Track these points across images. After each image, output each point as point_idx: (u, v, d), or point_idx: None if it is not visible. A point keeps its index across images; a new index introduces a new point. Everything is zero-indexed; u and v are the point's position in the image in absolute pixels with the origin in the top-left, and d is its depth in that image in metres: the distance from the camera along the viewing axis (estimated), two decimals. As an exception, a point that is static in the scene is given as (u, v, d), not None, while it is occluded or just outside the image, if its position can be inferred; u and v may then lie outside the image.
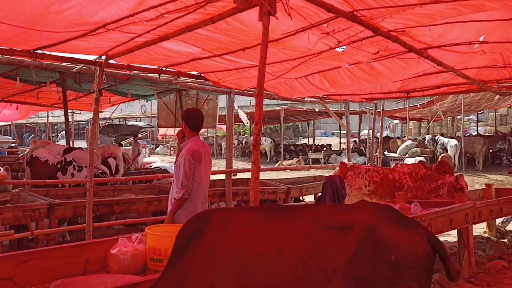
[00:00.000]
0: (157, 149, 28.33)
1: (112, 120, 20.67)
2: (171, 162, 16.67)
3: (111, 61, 4.90)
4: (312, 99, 8.76)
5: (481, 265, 5.52)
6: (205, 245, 2.17)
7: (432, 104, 15.81)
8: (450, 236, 6.88)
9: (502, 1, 3.51)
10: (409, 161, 15.12)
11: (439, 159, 13.45)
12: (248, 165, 16.98)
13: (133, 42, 4.30)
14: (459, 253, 5.44)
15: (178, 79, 6.59)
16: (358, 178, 6.20)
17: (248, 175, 9.43)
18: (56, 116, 23.13)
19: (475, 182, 13.79)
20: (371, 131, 20.99)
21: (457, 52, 4.81)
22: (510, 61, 5.56)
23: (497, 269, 5.32)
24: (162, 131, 26.57)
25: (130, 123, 26.44)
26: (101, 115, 14.59)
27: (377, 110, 9.83)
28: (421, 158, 15.01)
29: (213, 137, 27.12)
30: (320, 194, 6.08)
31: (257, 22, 3.16)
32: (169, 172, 9.18)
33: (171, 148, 28.22)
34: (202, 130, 26.89)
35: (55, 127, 31.92)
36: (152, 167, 11.29)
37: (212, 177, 8.86)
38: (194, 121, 4.43)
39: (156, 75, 5.92)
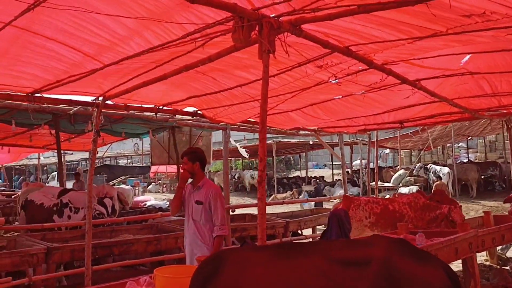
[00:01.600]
0: (150, 187, 28.10)
1: (103, 160, 20.56)
2: (164, 199, 16.53)
3: (109, 102, 4.92)
4: (307, 132, 8.83)
5: (486, 294, 5.46)
6: (222, 287, 2.13)
7: (423, 132, 15.98)
8: (453, 266, 6.82)
9: (491, 36, 3.62)
10: (403, 190, 15.17)
11: (433, 188, 13.51)
12: (242, 200, 16.96)
13: (132, 82, 4.33)
14: (464, 282, 5.38)
15: (174, 117, 6.61)
16: (358, 210, 6.17)
17: (243, 210, 9.37)
18: (47, 157, 22.94)
19: (470, 209, 13.82)
20: (363, 161, 21.16)
21: (446, 78, 4.90)
22: (498, 90, 5.70)
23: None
24: (153, 168, 26.42)
25: (121, 161, 26.37)
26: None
27: (371, 140, 9.91)
28: (415, 187, 15.04)
29: (207, 172, 27.00)
30: (324, 229, 6.03)
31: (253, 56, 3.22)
32: (164, 211, 9.09)
33: (164, 186, 28.04)
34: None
35: (45, 168, 31.61)
36: (146, 205, 11.18)
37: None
38: (204, 160, 4.50)
39: (153, 114, 5.94)
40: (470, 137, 20.59)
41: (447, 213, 6.14)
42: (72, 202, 6.77)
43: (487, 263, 7.11)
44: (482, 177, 18.06)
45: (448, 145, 20.92)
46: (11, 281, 5.05)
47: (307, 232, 9.08)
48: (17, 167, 30.34)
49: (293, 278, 2.23)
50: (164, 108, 5.74)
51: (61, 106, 5.79)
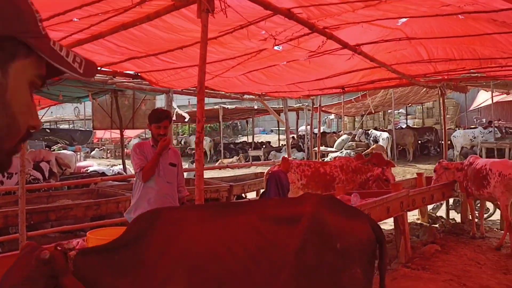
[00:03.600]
0: (93, 152, 27.33)
1: (42, 124, 19.66)
2: (108, 165, 16.16)
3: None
4: (251, 96, 8.83)
5: (416, 250, 5.83)
6: (155, 244, 2.14)
7: (365, 98, 16.45)
8: (387, 224, 7.20)
9: (427, 5, 3.74)
10: (335, 154, 15.58)
11: (370, 151, 14.08)
12: (187, 165, 16.86)
13: (66, 40, 4.11)
14: (395, 239, 5.72)
15: (114, 79, 6.38)
16: (290, 172, 6.32)
17: (189, 174, 9.34)
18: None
19: (406, 172, 14.55)
20: (308, 127, 21.58)
21: (384, 42, 5.01)
22: (434, 56, 5.92)
23: (431, 253, 5.64)
24: (99, 134, 25.61)
25: (62, 126, 25.32)
26: (30, 119, 13.80)
27: (314, 106, 10.07)
28: (352, 152, 15.56)
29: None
30: (263, 190, 6.15)
31: (195, 20, 3.15)
32: (107, 175, 8.89)
33: (108, 151, 27.35)
34: (140, 131, 26.06)
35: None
36: (88, 171, 10.87)
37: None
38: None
39: (90, 75, 5.69)
40: (409, 104, 21.43)
41: (380, 173, 6.43)
42: (5, 167, 6.46)
43: (419, 221, 7.56)
44: (419, 142, 18.97)
45: (389, 111, 21.70)
46: None
47: (252, 195, 9.23)
48: None
49: (227, 236, 2.27)
50: (103, 69, 5.53)
51: None
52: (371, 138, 17.71)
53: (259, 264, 2.26)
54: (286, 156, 8.97)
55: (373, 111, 17.56)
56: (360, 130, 19.01)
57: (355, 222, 2.53)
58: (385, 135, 17.40)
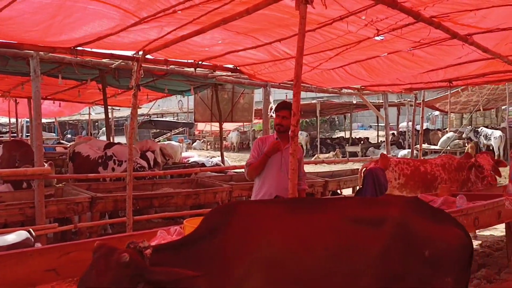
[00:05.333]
0: (194, 144, 28.68)
1: (150, 116, 21.05)
2: (208, 156, 16.84)
3: (149, 56, 4.95)
4: (350, 91, 8.60)
5: (530, 261, 5.26)
6: (231, 238, 2.12)
7: (465, 90, 15.16)
8: (497, 231, 6.61)
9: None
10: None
11: (465, 150, 13.06)
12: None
13: (170, 36, 4.32)
14: (507, 247, 5.21)
15: (214, 73, 6.60)
16: (388, 171, 6.01)
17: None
18: (97, 113, 23.76)
19: (521, 174, 13.21)
20: (410, 123, 20.53)
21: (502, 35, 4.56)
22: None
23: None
24: (200, 126, 26.83)
25: (167, 118, 26.91)
26: (139, 111, 14.89)
27: (417, 101, 9.54)
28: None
29: (251, 131, 27.17)
30: (359, 187, 5.95)
31: (293, 11, 3.10)
32: (206, 166, 9.25)
33: (208, 143, 28.52)
34: (238, 124, 26.83)
35: (96, 124, 32.82)
36: (189, 161, 11.42)
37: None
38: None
39: (192, 69, 5.94)
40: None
41: (474, 161, 5.98)
42: (116, 155, 7.01)
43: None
44: (537, 142, 17.14)
45: (503, 107, 19.87)
46: (57, 227, 5.35)
47: (347, 192, 9.02)
48: (70, 121, 31.67)
49: (306, 233, 2.20)
50: (204, 63, 5.73)
51: (104, 60, 5.89)
52: (482, 136, 16.38)
53: (340, 265, 2.15)
54: (385, 153, 8.61)
55: (481, 108, 16.17)
56: (468, 127, 17.67)
57: (444, 227, 2.32)
58: (497, 133, 15.98)
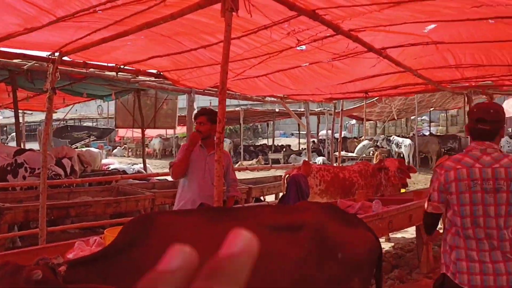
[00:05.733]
0: (115, 150, 27.65)
1: (66, 121, 20.01)
2: (129, 163, 16.31)
3: (66, 58, 4.70)
4: (273, 99, 8.78)
5: (438, 260, 5.66)
6: (150, 251, 2.04)
7: (379, 101, 16.16)
8: (407, 233, 7.05)
9: (457, 8, 3.63)
10: None
11: (375, 157, 13.95)
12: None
13: (92, 37, 4.14)
14: (417, 249, 5.57)
15: (137, 77, 6.42)
16: (309, 177, 6.23)
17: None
18: (6, 117, 22.13)
19: (428, 180, 14.24)
20: (329, 131, 21.39)
21: (411, 46, 4.90)
22: (461, 62, 5.77)
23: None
24: (121, 132, 25.92)
25: (85, 124, 25.73)
26: (55, 116, 14.08)
27: (336, 110, 9.96)
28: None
29: (174, 138, 26.68)
30: (282, 193, 6.06)
31: (218, 19, 3.11)
32: (127, 174, 8.95)
33: (129, 150, 27.65)
34: (162, 131, 26.29)
35: (5, 129, 30.54)
36: (109, 168, 10.99)
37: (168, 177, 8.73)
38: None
39: (114, 73, 5.73)
40: (432, 108, 21.03)
41: (382, 164, 6.43)
42: (28, 162, 6.56)
43: (441, 231, 7.36)
44: (442, 149, 18.61)
45: (412, 117, 21.35)
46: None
47: (270, 198, 9.17)
48: (-27, 126, 29.17)
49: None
50: (126, 67, 5.55)
51: (15, 61, 5.51)
52: (393, 144, 17.46)
53: (257, 274, 2.17)
54: (307, 159, 8.88)
55: (395, 117, 17.29)
56: (381, 136, 18.77)
57: (356, 231, 2.45)
58: (407, 141, 17.13)
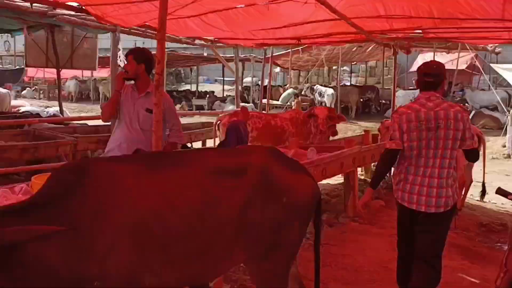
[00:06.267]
0: (24, 91, 25.60)
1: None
2: (41, 106, 15.22)
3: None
4: (203, 42, 8.45)
5: (362, 205, 5.97)
6: (88, 203, 1.89)
7: (310, 49, 16.31)
8: (332, 180, 7.33)
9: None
10: None
11: (293, 106, 14.28)
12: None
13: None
14: (344, 194, 5.82)
15: (55, 11, 5.79)
16: None
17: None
18: None
19: (348, 129, 14.91)
20: (254, 78, 21.33)
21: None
22: (391, 12, 5.87)
23: (376, 208, 5.82)
24: (31, 72, 23.86)
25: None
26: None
27: (266, 56, 9.86)
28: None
29: (92, 80, 25.07)
30: (214, 140, 5.96)
31: None
32: (42, 117, 8.32)
33: (41, 92, 25.76)
34: (78, 72, 24.57)
35: None
36: (20, 111, 10.12)
37: (93, 123, 8.24)
38: (152, 63, 3.92)
39: (28, 4, 5.11)
40: (354, 62, 21.70)
41: (312, 111, 6.62)
42: None
43: (362, 177, 7.76)
44: (361, 100, 19.41)
45: (334, 67, 21.87)
46: None
47: (198, 145, 9.04)
48: None
49: (170, 191, 2.08)
50: (42, -2, 4.97)
51: None
52: (317, 93, 17.86)
53: (204, 222, 2.11)
54: (234, 107, 8.79)
55: (324, 64, 17.57)
56: (306, 84, 19.08)
57: (299, 176, 2.46)
58: (330, 91, 17.60)
